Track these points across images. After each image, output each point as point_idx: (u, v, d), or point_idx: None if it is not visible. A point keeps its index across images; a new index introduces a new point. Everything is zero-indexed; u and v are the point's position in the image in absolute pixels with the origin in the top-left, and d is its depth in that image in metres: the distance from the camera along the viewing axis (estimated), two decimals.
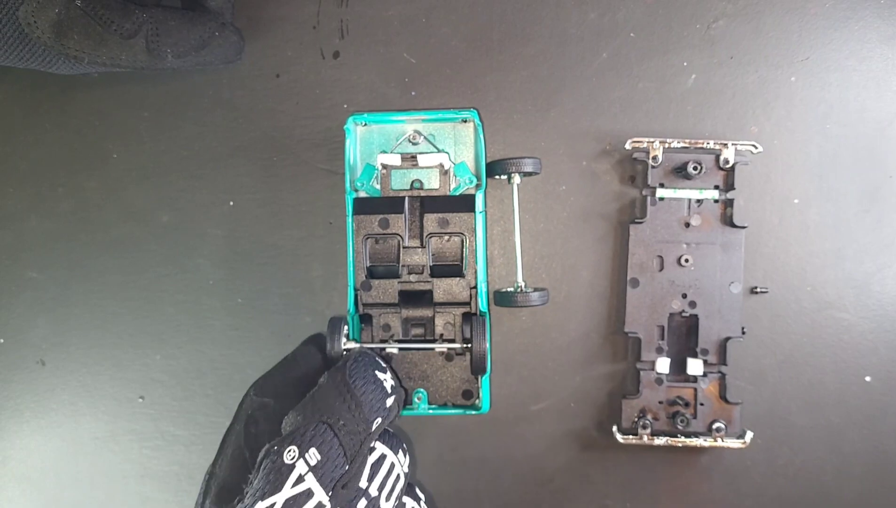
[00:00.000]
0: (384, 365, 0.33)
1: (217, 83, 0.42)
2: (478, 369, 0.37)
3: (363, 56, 0.41)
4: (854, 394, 0.40)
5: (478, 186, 0.39)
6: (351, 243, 0.38)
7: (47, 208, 0.43)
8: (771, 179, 0.40)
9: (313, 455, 0.28)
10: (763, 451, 0.40)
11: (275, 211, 0.42)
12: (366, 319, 0.38)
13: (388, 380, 0.32)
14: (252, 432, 0.32)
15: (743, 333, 0.39)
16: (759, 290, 0.40)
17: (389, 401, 0.32)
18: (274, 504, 0.27)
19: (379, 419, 0.31)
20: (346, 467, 0.29)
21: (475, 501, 0.42)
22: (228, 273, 0.42)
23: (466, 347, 0.37)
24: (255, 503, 0.27)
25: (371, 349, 0.37)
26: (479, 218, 0.38)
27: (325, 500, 0.28)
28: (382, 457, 0.31)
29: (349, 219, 0.38)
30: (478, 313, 0.38)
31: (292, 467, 0.27)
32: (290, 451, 0.28)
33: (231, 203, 0.42)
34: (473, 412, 0.38)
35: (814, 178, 0.40)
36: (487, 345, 0.36)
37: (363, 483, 0.30)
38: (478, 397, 0.39)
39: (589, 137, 0.40)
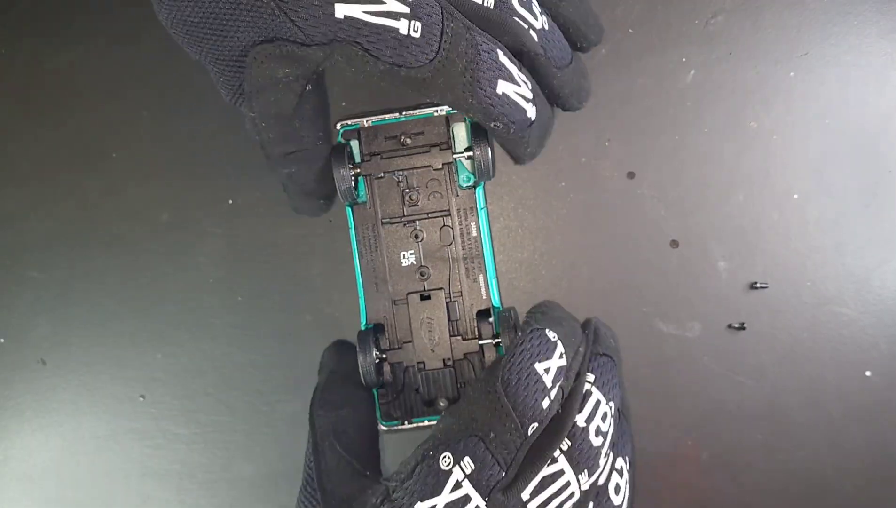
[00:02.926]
0: (552, 343, 0.29)
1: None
2: None
3: None
4: (854, 389, 0.40)
5: (476, 183, 0.39)
6: (356, 255, 0.38)
7: (47, 208, 0.43)
8: (770, 175, 0.40)
9: (468, 464, 0.27)
10: (763, 447, 0.40)
11: (275, 209, 0.42)
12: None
13: (552, 366, 0.28)
14: (345, 442, 0.32)
15: (743, 328, 0.39)
16: (758, 285, 0.40)
17: (551, 396, 0.28)
18: (434, 506, 0.27)
19: (535, 424, 0.28)
20: (504, 474, 0.28)
21: None
22: (228, 272, 0.42)
23: (496, 343, 0.37)
24: (413, 503, 0.27)
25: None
26: (482, 215, 0.38)
27: (483, 505, 0.27)
28: (559, 473, 0.28)
29: (351, 232, 0.38)
30: (491, 308, 0.38)
31: (449, 473, 0.27)
32: (445, 458, 0.27)
33: (231, 201, 0.42)
34: None
35: (813, 173, 0.40)
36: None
37: (525, 496, 0.28)
38: None
39: (588, 133, 0.40)
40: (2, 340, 0.43)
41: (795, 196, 0.40)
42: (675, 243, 0.40)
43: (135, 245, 0.42)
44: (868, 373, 0.40)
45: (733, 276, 0.40)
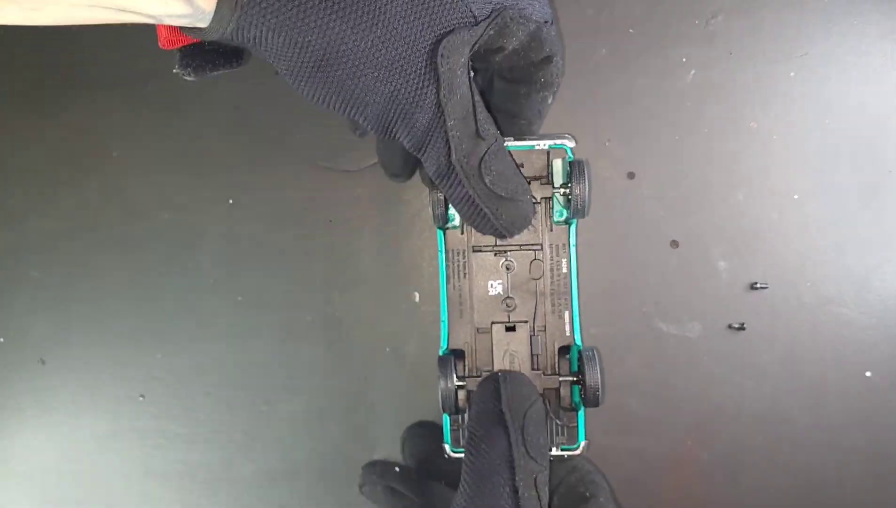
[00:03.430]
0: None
1: (216, 81, 0.42)
2: (590, 402, 0.35)
3: None
4: (854, 389, 0.40)
5: (569, 220, 0.37)
6: (443, 279, 0.37)
7: (48, 208, 0.43)
8: (770, 175, 0.40)
9: None
10: (763, 447, 0.40)
11: (275, 209, 0.42)
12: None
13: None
14: None
15: (743, 328, 0.39)
16: (759, 286, 0.40)
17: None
18: None
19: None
20: None
21: None
22: (229, 271, 0.42)
23: (576, 380, 0.36)
24: None
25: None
26: (572, 251, 0.37)
27: None
28: None
29: (441, 256, 0.37)
30: (573, 344, 0.37)
31: None
32: None
33: (231, 201, 0.42)
34: (572, 449, 0.37)
35: (813, 173, 0.40)
36: (599, 377, 0.34)
37: None
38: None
39: (588, 133, 0.40)
40: (1, 339, 0.43)
41: (795, 196, 0.40)
42: (675, 243, 0.40)
43: (135, 244, 0.42)
44: (868, 373, 0.40)
45: (733, 276, 0.40)
